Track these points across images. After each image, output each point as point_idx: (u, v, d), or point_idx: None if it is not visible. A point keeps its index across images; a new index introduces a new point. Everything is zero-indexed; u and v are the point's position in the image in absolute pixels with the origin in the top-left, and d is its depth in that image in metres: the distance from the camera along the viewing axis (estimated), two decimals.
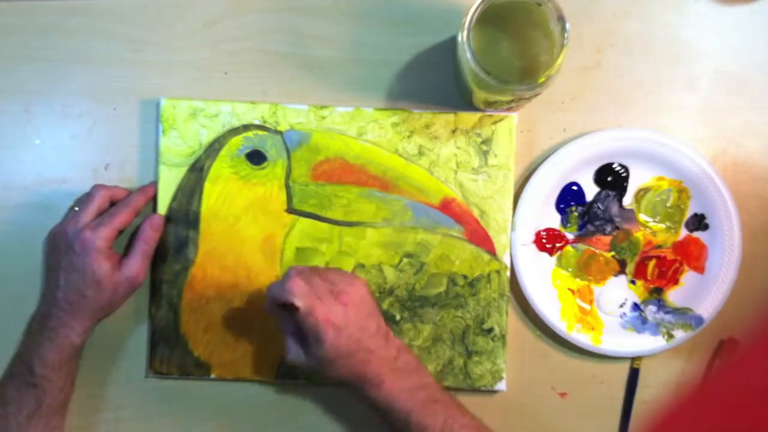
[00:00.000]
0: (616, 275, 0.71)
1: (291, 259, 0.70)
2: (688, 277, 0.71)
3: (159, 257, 0.69)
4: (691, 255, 0.70)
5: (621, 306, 0.71)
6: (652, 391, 0.71)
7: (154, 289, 0.70)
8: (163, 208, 0.69)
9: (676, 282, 0.71)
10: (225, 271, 0.70)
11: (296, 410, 0.71)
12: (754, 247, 0.70)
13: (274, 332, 0.70)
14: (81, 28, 0.70)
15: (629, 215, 0.70)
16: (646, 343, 0.70)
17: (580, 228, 0.71)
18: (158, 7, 0.70)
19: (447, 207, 0.70)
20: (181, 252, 0.70)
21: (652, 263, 0.71)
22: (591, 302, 0.71)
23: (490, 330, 0.70)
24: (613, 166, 0.70)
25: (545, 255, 0.71)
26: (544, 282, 0.70)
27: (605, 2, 0.71)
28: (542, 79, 0.59)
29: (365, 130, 0.70)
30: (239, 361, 0.70)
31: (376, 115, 0.70)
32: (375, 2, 0.70)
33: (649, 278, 0.71)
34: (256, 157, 0.69)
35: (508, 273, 0.70)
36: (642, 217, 0.71)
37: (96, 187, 0.67)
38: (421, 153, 0.70)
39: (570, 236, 0.71)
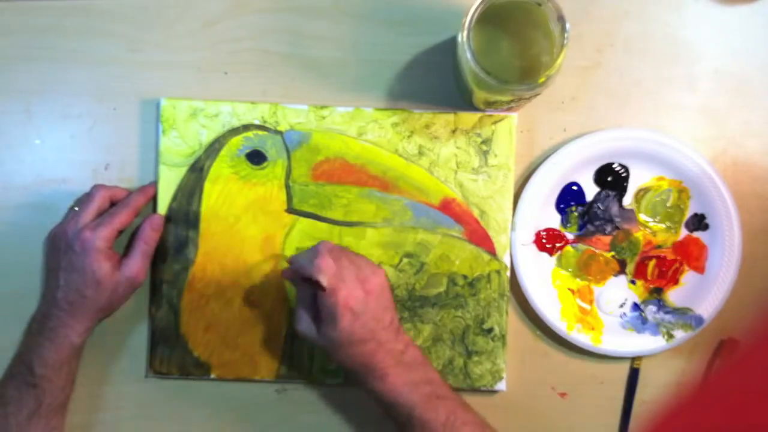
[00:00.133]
0: (616, 275, 0.71)
1: None
2: (688, 277, 0.71)
3: (159, 257, 0.69)
4: (691, 255, 0.70)
5: (621, 306, 0.71)
6: (652, 391, 0.71)
7: (154, 289, 0.70)
8: (163, 208, 0.69)
9: (676, 282, 0.71)
10: (225, 271, 0.70)
11: (296, 410, 0.71)
12: (754, 247, 0.70)
13: (274, 332, 0.70)
14: (81, 28, 0.70)
15: (629, 215, 0.70)
16: (646, 343, 0.70)
17: (580, 228, 0.71)
18: (158, 7, 0.70)
19: (447, 207, 0.70)
20: (181, 252, 0.70)
21: (652, 263, 0.71)
22: (591, 302, 0.71)
23: (490, 330, 0.70)
24: (613, 166, 0.70)
25: (545, 255, 0.71)
26: (544, 282, 0.70)
27: (605, 2, 0.71)
28: (542, 79, 0.59)
29: (365, 130, 0.70)
30: (239, 361, 0.70)
31: (376, 115, 0.70)
32: (375, 2, 0.70)
33: (649, 278, 0.71)
34: (256, 157, 0.69)
35: (508, 273, 0.70)
36: (642, 217, 0.71)
37: (96, 187, 0.67)
38: (421, 153, 0.70)
39: (570, 236, 0.71)
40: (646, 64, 0.71)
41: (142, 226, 0.68)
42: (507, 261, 0.70)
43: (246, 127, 0.69)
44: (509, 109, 0.70)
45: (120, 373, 0.71)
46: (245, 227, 0.70)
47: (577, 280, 0.71)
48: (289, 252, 0.70)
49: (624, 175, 0.70)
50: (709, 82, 0.71)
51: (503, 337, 0.70)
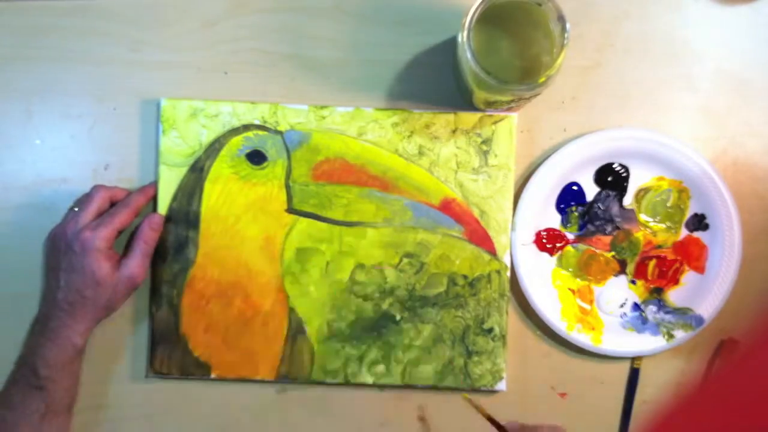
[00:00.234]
0: (616, 275, 0.71)
1: (291, 259, 0.70)
2: (688, 277, 0.71)
3: (159, 257, 0.69)
4: (691, 255, 0.70)
5: (621, 306, 0.71)
6: (652, 391, 0.71)
7: (154, 289, 0.70)
8: (163, 208, 0.69)
9: (676, 282, 0.71)
10: (225, 271, 0.70)
11: (296, 410, 0.71)
12: (754, 247, 0.70)
13: (274, 332, 0.70)
14: (81, 28, 0.70)
15: (629, 215, 0.70)
16: (646, 343, 0.70)
17: (581, 228, 0.71)
18: (158, 7, 0.70)
19: (447, 207, 0.70)
20: (181, 252, 0.70)
21: (652, 263, 0.71)
22: (591, 302, 0.71)
23: (491, 330, 0.70)
24: (614, 166, 0.70)
25: (545, 255, 0.71)
26: (545, 282, 0.70)
27: (605, 2, 0.71)
28: (542, 79, 0.59)
29: (365, 130, 0.70)
30: (239, 361, 0.70)
31: (376, 115, 0.70)
32: (375, 2, 0.70)
33: (649, 278, 0.71)
34: (256, 157, 0.69)
35: (508, 273, 0.70)
36: (642, 217, 0.71)
37: (96, 188, 0.67)
38: (421, 153, 0.70)
39: (570, 236, 0.71)
40: (646, 64, 0.71)
41: (141, 226, 0.68)
42: (507, 261, 0.70)
43: (246, 127, 0.69)
44: (509, 109, 0.70)
45: (120, 373, 0.71)
46: (245, 227, 0.70)
47: (578, 280, 0.71)
48: (289, 252, 0.70)
49: (624, 175, 0.70)
50: (709, 82, 0.71)
51: (503, 337, 0.70)
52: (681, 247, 0.71)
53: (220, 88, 0.70)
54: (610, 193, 0.70)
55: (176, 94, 0.70)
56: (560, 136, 0.71)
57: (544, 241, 0.70)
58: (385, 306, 0.70)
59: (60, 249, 0.65)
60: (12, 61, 0.70)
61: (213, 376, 0.70)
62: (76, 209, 0.67)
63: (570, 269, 0.71)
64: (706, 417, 0.31)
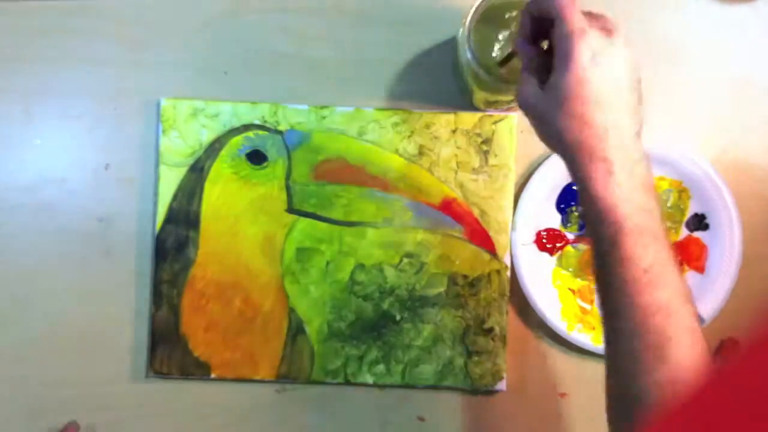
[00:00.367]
0: None
1: (291, 259, 0.70)
2: (688, 277, 0.71)
3: (159, 257, 0.69)
4: (691, 255, 0.70)
5: None
6: None
7: (154, 289, 0.70)
8: (163, 208, 0.69)
9: None
10: (225, 271, 0.70)
11: (296, 410, 0.71)
12: (754, 247, 0.70)
13: (274, 332, 0.70)
14: (81, 28, 0.70)
15: None
16: None
17: (581, 228, 0.71)
18: (158, 7, 0.70)
19: (447, 207, 0.70)
20: (181, 252, 0.70)
21: None
22: (592, 302, 0.71)
23: (491, 330, 0.70)
24: None
25: (545, 255, 0.71)
26: (545, 282, 0.70)
27: (605, 2, 0.71)
28: None
29: (365, 130, 0.70)
30: (239, 361, 0.70)
31: (377, 115, 0.70)
32: (375, 2, 0.70)
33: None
34: (256, 157, 0.69)
35: (508, 273, 0.70)
36: None
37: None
38: (421, 153, 0.70)
39: (570, 236, 0.71)
40: (646, 64, 0.71)
41: None
42: (507, 261, 0.70)
43: (246, 127, 0.69)
44: (509, 109, 0.70)
45: (120, 373, 0.71)
46: (245, 227, 0.70)
47: (578, 280, 0.71)
48: (289, 252, 0.70)
49: None
50: (710, 82, 0.71)
51: (503, 337, 0.70)
52: (681, 247, 0.71)
53: (220, 88, 0.70)
54: None
55: (176, 94, 0.70)
56: None
57: (544, 241, 0.70)
58: (385, 306, 0.70)
59: None
60: (12, 61, 0.70)
61: (213, 376, 0.70)
62: None
63: (570, 269, 0.71)
64: (706, 417, 0.31)
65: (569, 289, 0.71)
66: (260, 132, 0.69)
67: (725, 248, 0.69)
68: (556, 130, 0.49)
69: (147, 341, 0.70)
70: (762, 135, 0.71)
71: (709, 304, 0.69)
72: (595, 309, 0.71)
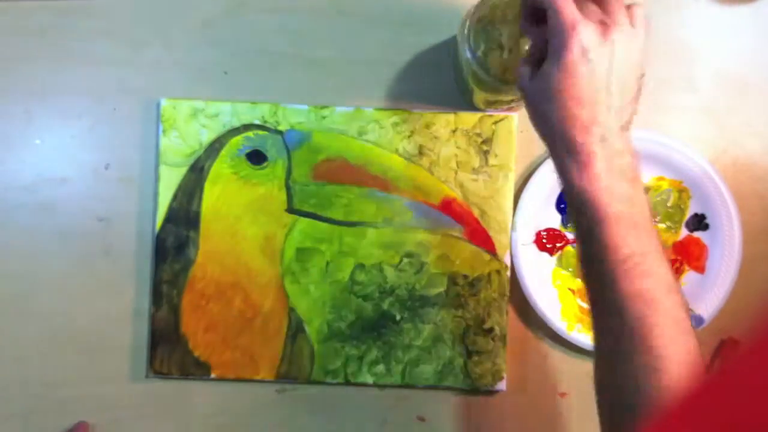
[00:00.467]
0: None
1: (291, 259, 0.70)
2: (688, 277, 0.71)
3: (159, 257, 0.69)
4: (691, 255, 0.70)
5: None
6: None
7: (154, 289, 0.70)
8: (163, 208, 0.69)
9: None
10: (225, 271, 0.70)
11: (296, 410, 0.71)
12: (754, 247, 0.70)
13: (274, 332, 0.70)
14: (81, 28, 0.70)
15: None
16: None
17: None
18: (158, 7, 0.70)
19: (447, 207, 0.70)
20: (181, 252, 0.70)
21: None
22: None
23: (491, 330, 0.70)
24: None
25: (545, 255, 0.71)
26: (545, 282, 0.70)
27: None
28: None
29: (365, 130, 0.70)
30: (239, 361, 0.70)
31: (377, 115, 0.70)
32: (375, 2, 0.70)
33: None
34: (256, 157, 0.69)
35: (508, 273, 0.70)
36: None
37: None
38: (421, 153, 0.70)
39: (570, 236, 0.71)
40: (646, 64, 0.71)
41: None
42: (507, 261, 0.70)
43: (246, 127, 0.70)
44: (510, 109, 0.70)
45: (120, 373, 0.71)
46: (245, 227, 0.70)
47: (578, 280, 0.71)
48: (289, 252, 0.70)
49: None
50: (710, 82, 0.71)
51: (503, 337, 0.70)
52: (681, 247, 0.71)
53: (220, 88, 0.70)
54: None
55: (176, 94, 0.70)
56: None
57: (544, 241, 0.70)
58: (385, 306, 0.70)
59: None
60: (12, 61, 0.70)
61: (213, 376, 0.70)
62: None
63: (570, 269, 0.71)
64: (706, 417, 0.31)
65: (569, 289, 0.71)
66: (260, 132, 0.70)
67: (725, 248, 0.69)
68: (541, 117, 0.50)
69: (147, 341, 0.70)
70: (762, 135, 0.71)
71: (709, 304, 0.69)
72: None
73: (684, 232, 0.71)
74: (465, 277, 0.70)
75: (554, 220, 0.71)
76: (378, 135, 0.70)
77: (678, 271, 0.71)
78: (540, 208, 0.70)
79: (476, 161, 0.70)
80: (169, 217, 0.69)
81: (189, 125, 0.69)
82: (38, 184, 0.71)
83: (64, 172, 0.71)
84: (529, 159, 0.71)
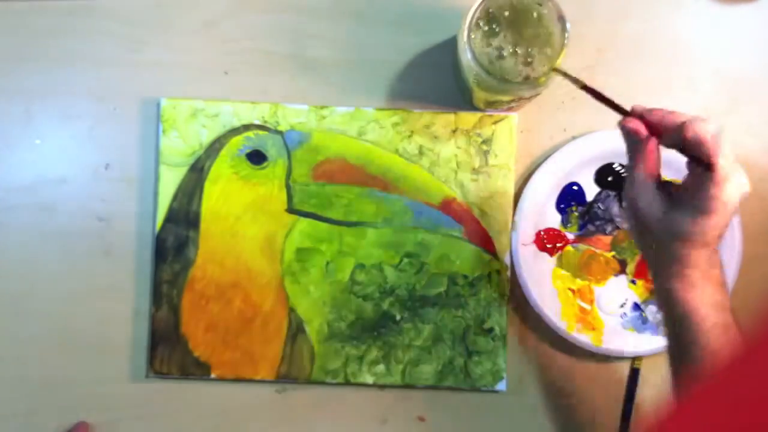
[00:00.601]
0: (616, 275, 0.71)
1: (291, 259, 0.70)
2: None
3: (159, 257, 0.69)
4: None
5: (621, 306, 0.71)
6: (652, 391, 0.71)
7: (154, 289, 0.70)
8: (163, 208, 0.69)
9: None
10: (225, 271, 0.70)
11: (296, 410, 0.71)
12: (754, 248, 0.70)
13: (274, 332, 0.70)
14: (81, 28, 0.70)
15: None
16: (647, 343, 0.70)
17: (581, 228, 0.71)
18: (158, 7, 0.70)
19: (447, 207, 0.70)
20: (181, 252, 0.70)
21: None
22: (591, 302, 0.71)
23: (491, 330, 0.70)
24: (614, 166, 0.70)
25: (545, 255, 0.71)
26: (545, 282, 0.70)
27: (605, 2, 0.71)
28: (542, 79, 0.59)
29: (365, 130, 0.70)
30: (239, 361, 0.70)
31: (377, 115, 0.70)
32: (375, 2, 0.70)
33: (649, 278, 0.71)
34: (256, 157, 0.69)
35: (508, 273, 0.70)
36: None
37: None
38: (421, 153, 0.70)
39: (570, 236, 0.71)
40: (646, 64, 0.71)
41: None
42: (507, 261, 0.70)
43: (246, 127, 0.70)
44: (509, 109, 0.70)
45: (120, 373, 0.71)
46: (245, 227, 0.70)
47: (578, 280, 0.71)
48: (289, 252, 0.70)
49: (624, 175, 0.70)
50: (709, 82, 0.71)
51: (503, 337, 0.70)
52: None
53: (220, 88, 0.70)
54: (610, 193, 0.70)
55: (176, 94, 0.70)
56: (560, 136, 0.71)
57: (544, 241, 0.70)
58: (385, 306, 0.70)
59: None
60: (12, 61, 0.70)
61: (213, 376, 0.70)
62: None
63: (570, 269, 0.71)
64: (706, 417, 0.31)
65: (569, 289, 0.71)
66: (260, 132, 0.70)
67: (725, 248, 0.69)
68: (652, 246, 0.53)
69: (147, 341, 0.70)
70: (762, 135, 0.71)
71: None
72: (595, 309, 0.71)
73: None
74: (465, 277, 0.70)
75: (554, 220, 0.71)
76: (378, 135, 0.70)
77: None
78: (540, 208, 0.70)
79: (476, 161, 0.70)
80: (169, 217, 0.69)
81: (189, 125, 0.69)
82: (38, 184, 0.71)
83: (64, 172, 0.71)
84: (529, 159, 0.71)
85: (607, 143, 0.69)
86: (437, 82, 0.70)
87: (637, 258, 0.71)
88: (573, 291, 0.71)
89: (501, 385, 0.70)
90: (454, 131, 0.70)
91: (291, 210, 0.70)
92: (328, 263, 0.70)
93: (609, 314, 0.71)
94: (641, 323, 0.70)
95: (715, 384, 0.34)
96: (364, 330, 0.70)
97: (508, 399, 0.71)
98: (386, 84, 0.70)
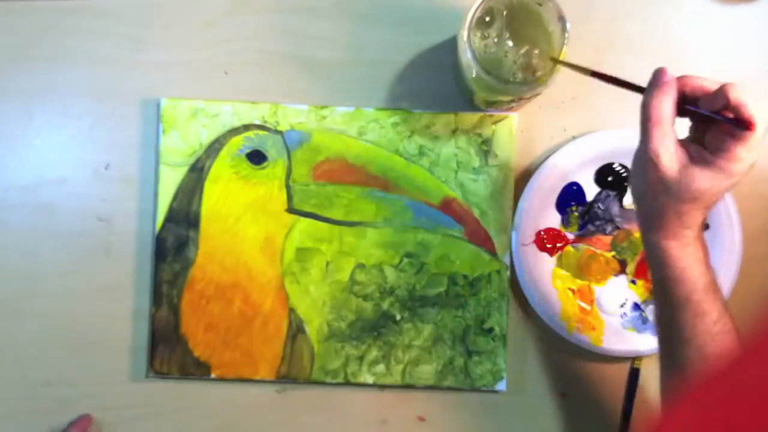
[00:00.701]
0: (616, 275, 0.71)
1: (291, 259, 0.70)
2: None
3: (159, 257, 0.69)
4: None
5: (621, 306, 0.71)
6: (652, 391, 0.71)
7: (154, 289, 0.70)
8: (163, 208, 0.69)
9: None
10: (225, 271, 0.70)
11: (296, 410, 0.71)
12: (754, 248, 0.70)
13: (274, 332, 0.70)
14: (81, 28, 0.70)
15: (630, 215, 0.70)
16: (647, 343, 0.70)
17: (581, 228, 0.71)
18: (158, 7, 0.70)
19: (447, 207, 0.70)
20: (181, 252, 0.70)
21: None
22: (591, 302, 0.71)
23: (491, 330, 0.70)
24: (613, 166, 0.70)
25: (545, 255, 0.71)
26: (545, 282, 0.70)
27: (605, 2, 0.71)
28: (543, 79, 0.59)
29: (366, 130, 0.70)
30: (239, 361, 0.70)
31: (377, 115, 0.70)
32: (375, 2, 0.70)
33: (649, 278, 0.71)
34: (256, 157, 0.69)
35: (508, 273, 0.70)
36: None
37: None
38: (421, 153, 0.70)
39: (570, 236, 0.71)
40: (646, 64, 0.71)
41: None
42: (507, 261, 0.70)
43: (246, 127, 0.70)
44: (509, 109, 0.70)
45: (120, 373, 0.71)
46: (245, 227, 0.70)
47: (578, 280, 0.71)
48: (289, 252, 0.70)
49: (624, 175, 0.70)
50: None
51: (503, 337, 0.70)
52: None
53: (220, 88, 0.70)
54: (610, 193, 0.70)
55: (176, 94, 0.70)
56: (560, 136, 0.71)
57: (544, 241, 0.70)
58: (385, 306, 0.70)
59: None
60: (12, 61, 0.70)
61: (213, 376, 0.70)
62: None
63: (570, 269, 0.71)
64: (706, 417, 0.31)
65: (569, 289, 0.71)
66: (260, 132, 0.70)
67: (725, 248, 0.69)
68: (655, 203, 0.54)
69: (147, 341, 0.70)
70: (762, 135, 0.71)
71: None
72: (595, 309, 0.71)
73: None
74: (465, 277, 0.70)
75: (554, 220, 0.71)
76: (378, 135, 0.70)
77: None
78: (540, 208, 0.70)
79: (476, 161, 0.70)
80: (169, 217, 0.69)
81: (189, 125, 0.69)
82: (38, 184, 0.71)
83: (64, 172, 0.71)
84: (529, 159, 0.71)
85: (607, 143, 0.69)
86: (437, 82, 0.70)
87: (637, 258, 0.71)
88: (573, 291, 0.71)
89: (501, 385, 0.70)
90: (454, 131, 0.70)
91: (291, 210, 0.70)
92: (328, 263, 0.70)
93: (609, 314, 0.71)
94: (641, 323, 0.70)
95: (715, 384, 0.34)
96: (364, 330, 0.70)
97: (508, 399, 0.71)
98: (386, 84, 0.70)
